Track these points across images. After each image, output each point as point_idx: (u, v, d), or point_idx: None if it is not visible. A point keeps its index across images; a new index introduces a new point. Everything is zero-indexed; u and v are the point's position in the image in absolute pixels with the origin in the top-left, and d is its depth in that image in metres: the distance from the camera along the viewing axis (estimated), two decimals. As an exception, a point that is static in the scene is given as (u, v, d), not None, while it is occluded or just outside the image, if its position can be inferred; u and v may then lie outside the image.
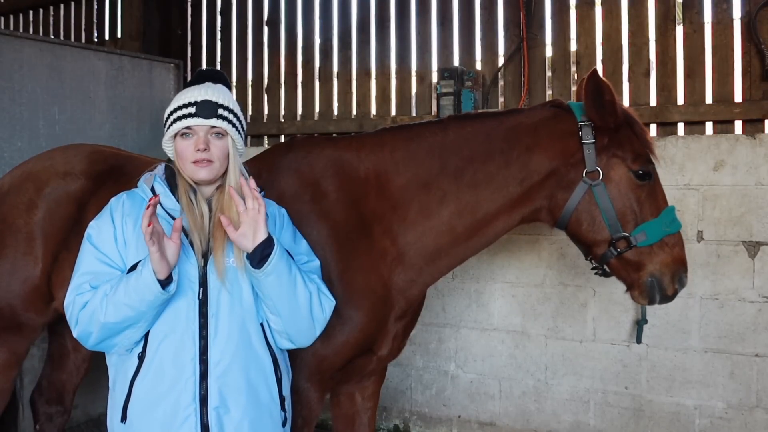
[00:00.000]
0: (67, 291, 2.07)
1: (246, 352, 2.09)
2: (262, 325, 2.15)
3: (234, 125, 2.15)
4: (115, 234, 2.10)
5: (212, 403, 2.01)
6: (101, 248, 2.09)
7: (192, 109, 2.08)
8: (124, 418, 2.03)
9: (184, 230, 2.07)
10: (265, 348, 2.15)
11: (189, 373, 2.01)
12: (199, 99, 2.10)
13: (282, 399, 2.19)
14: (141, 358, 2.03)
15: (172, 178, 2.15)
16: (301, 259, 2.22)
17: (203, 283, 2.06)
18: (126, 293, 1.94)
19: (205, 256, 2.08)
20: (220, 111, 2.11)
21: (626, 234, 2.57)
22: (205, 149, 2.07)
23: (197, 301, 2.04)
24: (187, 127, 2.09)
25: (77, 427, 4.57)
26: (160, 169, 2.21)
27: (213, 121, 2.09)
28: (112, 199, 2.19)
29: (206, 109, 2.09)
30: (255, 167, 2.71)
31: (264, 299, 2.08)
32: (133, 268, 1.99)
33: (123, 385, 2.05)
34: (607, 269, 2.71)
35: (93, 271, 2.06)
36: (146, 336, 2.03)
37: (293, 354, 2.33)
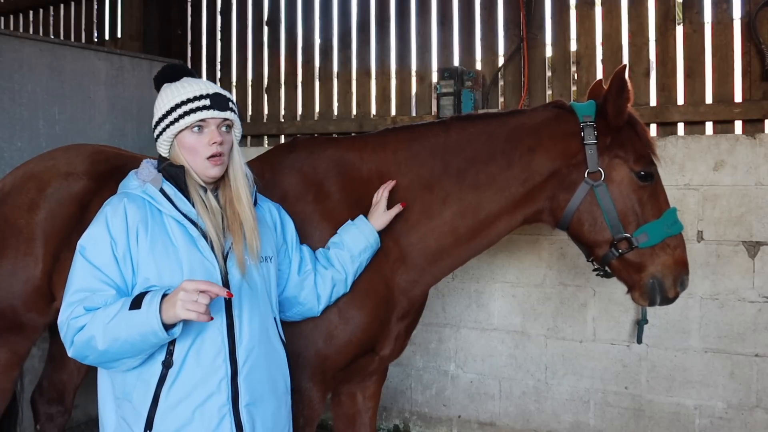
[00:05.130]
0: (61, 307, 2.00)
1: (267, 347, 2.11)
2: (274, 318, 2.19)
3: (239, 117, 2.16)
4: (113, 247, 1.99)
5: (243, 401, 2.01)
6: (95, 262, 1.98)
7: (206, 102, 2.05)
8: (149, 427, 1.96)
9: (202, 232, 2.04)
10: (279, 341, 2.19)
11: (222, 374, 1.99)
12: (210, 91, 2.08)
13: (291, 389, 2.24)
14: (166, 364, 1.97)
15: (176, 177, 2.09)
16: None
17: (226, 283, 2.04)
18: (129, 333, 1.86)
19: (223, 255, 2.06)
20: (230, 104, 2.11)
21: (628, 235, 2.57)
22: (221, 143, 2.05)
23: (224, 302, 2.01)
24: (202, 120, 2.05)
25: (77, 427, 4.57)
26: (151, 169, 2.13)
27: (227, 114, 2.08)
28: (108, 208, 2.06)
29: (220, 102, 2.07)
30: (258, 167, 2.71)
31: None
32: (137, 304, 1.88)
33: (145, 394, 1.97)
34: (609, 270, 2.71)
35: (87, 288, 1.97)
36: (169, 342, 1.96)
37: (295, 354, 2.35)
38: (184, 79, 2.14)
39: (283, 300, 2.38)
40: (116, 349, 1.89)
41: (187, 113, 2.05)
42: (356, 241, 2.49)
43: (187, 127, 2.06)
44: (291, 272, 2.36)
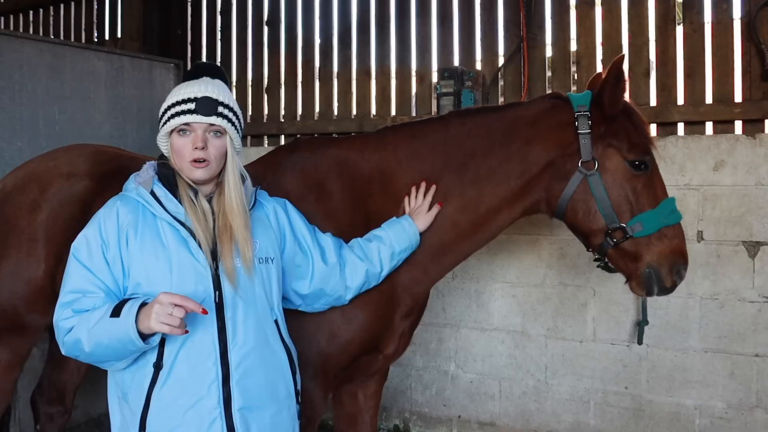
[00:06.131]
0: (56, 307, 2.02)
1: (263, 350, 2.09)
2: (276, 321, 2.17)
3: (233, 123, 2.12)
4: (103, 250, 2.02)
5: (236, 404, 2.01)
6: (87, 264, 2.01)
7: (191, 105, 2.04)
8: (143, 428, 1.98)
9: (190, 232, 2.04)
10: (281, 344, 2.17)
11: (212, 377, 1.99)
12: (198, 95, 2.06)
13: (297, 392, 2.22)
14: (157, 366, 1.98)
15: (168, 178, 2.11)
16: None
17: (217, 285, 2.04)
18: (109, 339, 1.89)
19: (214, 256, 2.06)
20: (220, 108, 2.08)
21: (623, 224, 2.57)
22: (203, 148, 2.03)
23: (214, 305, 2.02)
24: (186, 124, 2.05)
25: (77, 427, 4.57)
26: (151, 170, 2.15)
27: (212, 119, 2.06)
28: (102, 210, 2.10)
29: (206, 106, 2.05)
30: (260, 168, 2.71)
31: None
32: (117, 312, 1.90)
33: (138, 395, 2.00)
34: (607, 261, 2.71)
35: (79, 289, 2.00)
36: (160, 344, 1.98)
37: (297, 353, 2.34)
38: (203, 78, 2.15)
39: (311, 294, 2.38)
40: (100, 353, 1.94)
41: (173, 116, 2.06)
42: (400, 239, 2.52)
43: (173, 130, 2.08)
44: (315, 265, 2.35)
